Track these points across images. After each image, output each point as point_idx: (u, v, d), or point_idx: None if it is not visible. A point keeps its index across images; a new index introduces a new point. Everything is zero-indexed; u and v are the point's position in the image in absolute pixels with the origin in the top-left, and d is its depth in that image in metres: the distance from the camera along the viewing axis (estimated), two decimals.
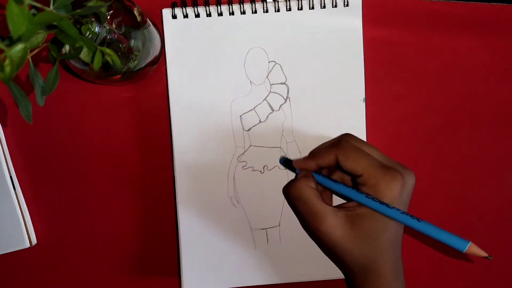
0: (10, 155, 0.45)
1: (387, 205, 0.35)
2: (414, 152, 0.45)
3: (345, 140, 0.38)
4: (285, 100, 0.44)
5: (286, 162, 0.44)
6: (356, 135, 0.40)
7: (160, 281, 0.47)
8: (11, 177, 0.45)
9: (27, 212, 0.46)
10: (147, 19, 0.39)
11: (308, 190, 0.38)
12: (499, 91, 0.45)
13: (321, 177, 0.40)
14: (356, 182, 0.38)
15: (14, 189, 0.45)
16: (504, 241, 0.46)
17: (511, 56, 0.44)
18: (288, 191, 0.40)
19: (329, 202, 0.42)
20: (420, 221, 0.35)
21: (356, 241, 0.36)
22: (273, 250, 0.45)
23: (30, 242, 0.45)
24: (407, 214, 0.35)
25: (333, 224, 0.37)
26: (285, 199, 0.44)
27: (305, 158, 0.40)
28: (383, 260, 0.37)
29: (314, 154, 0.40)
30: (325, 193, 0.42)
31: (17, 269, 0.47)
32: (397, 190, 0.35)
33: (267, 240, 0.45)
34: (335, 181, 0.39)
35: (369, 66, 0.44)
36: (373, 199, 0.36)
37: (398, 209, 0.35)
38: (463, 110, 0.45)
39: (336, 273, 0.44)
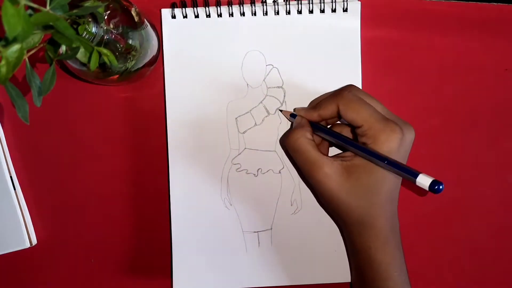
0: (10, 155, 0.45)
1: (380, 154, 0.35)
2: (413, 152, 0.45)
3: (347, 90, 0.38)
4: (282, 104, 0.44)
5: (292, 115, 0.43)
6: None
7: (154, 282, 0.47)
8: (11, 177, 0.45)
9: (27, 212, 0.46)
10: (145, 20, 0.39)
11: (304, 140, 0.38)
12: (499, 91, 0.44)
13: (318, 127, 0.40)
14: (355, 133, 0.38)
15: (14, 189, 0.45)
16: (504, 241, 0.46)
17: (511, 56, 0.44)
18: (285, 142, 0.40)
19: (325, 153, 0.42)
20: (416, 172, 0.34)
21: (352, 192, 0.37)
22: (264, 253, 0.45)
23: (30, 242, 0.45)
24: (401, 164, 0.35)
25: (329, 174, 0.37)
26: (278, 203, 0.44)
27: (308, 109, 0.40)
28: (379, 214, 0.37)
29: (316, 105, 0.40)
30: (322, 145, 0.42)
31: (17, 269, 0.47)
32: (395, 143, 0.35)
33: (259, 243, 0.45)
34: (332, 131, 0.39)
35: (368, 66, 0.44)
36: (369, 149, 0.36)
37: (392, 159, 0.35)
38: (463, 110, 0.45)
39: (326, 278, 0.45)
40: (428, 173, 0.45)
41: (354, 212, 0.37)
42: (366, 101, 0.37)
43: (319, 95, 0.43)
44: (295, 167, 0.44)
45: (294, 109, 0.42)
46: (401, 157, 0.36)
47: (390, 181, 0.37)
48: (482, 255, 0.46)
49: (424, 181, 0.33)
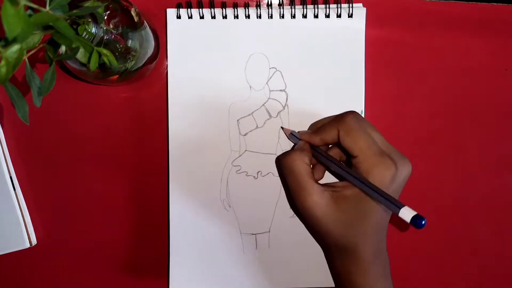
0: (10, 155, 0.45)
1: (375, 188, 0.35)
2: (414, 152, 0.45)
3: (349, 116, 0.38)
4: (284, 107, 0.44)
5: (291, 134, 0.43)
6: None
7: (151, 282, 0.47)
8: (11, 177, 0.45)
9: (27, 212, 0.46)
10: (144, 20, 0.39)
11: (301, 164, 0.38)
12: (499, 91, 0.44)
13: (319, 152, 0.40)
14: (350, 162, 0.38)
15: (14, 189, 0.45)
16: (505, 242, 0.46)
17: (511, 56, 0.44)
18: (281, 161, 0.39)
19: (319, 177, 0.42)
20: (402, 207, 0.33)
21: (338, 222, 0.37)
22: (262, 255, 0.45)
23: (30, 242, 0.45)
24: (391, 199, 0.34)
25: (318, 203, 0.37)
26: (276, 206, 0.44)
27: (311, 133, 0.40)
28: (363, 243, 0.37)
29: (318, 129, 0.40)
30: (318, 168, 0.42)
31: (17, 269, 0.47)
32: (387, 180, 0.35)
33: (256, 245, 0.45)
34: (331, 157, 0.39)
35: (370, 68, 0.44)
36: (363, 180, 0.36)
37: (384, 193, 0.35)
38: (463, 110, 0.45)
39: (323, 282, 0.45)
40: (429, 172, 0.45)
41: (338, 240, 0.37)
42: (367, 130, 0.37)
43: (321, 106, 0.43)
44: (284, 188, 0.44)
45: (299, 132, 0.41)
46: (392, 192, 0.36)
47: (379, 212, 0.37)
48: (483, 256, 0.46)
49: (406, 215, 0.33)
